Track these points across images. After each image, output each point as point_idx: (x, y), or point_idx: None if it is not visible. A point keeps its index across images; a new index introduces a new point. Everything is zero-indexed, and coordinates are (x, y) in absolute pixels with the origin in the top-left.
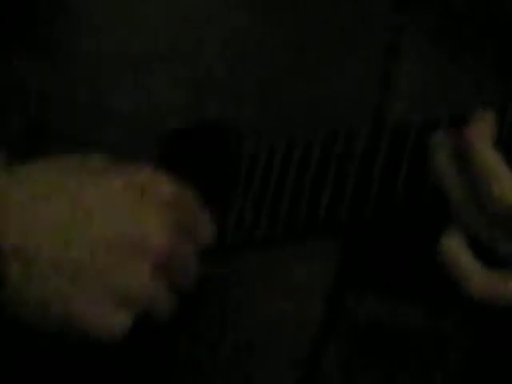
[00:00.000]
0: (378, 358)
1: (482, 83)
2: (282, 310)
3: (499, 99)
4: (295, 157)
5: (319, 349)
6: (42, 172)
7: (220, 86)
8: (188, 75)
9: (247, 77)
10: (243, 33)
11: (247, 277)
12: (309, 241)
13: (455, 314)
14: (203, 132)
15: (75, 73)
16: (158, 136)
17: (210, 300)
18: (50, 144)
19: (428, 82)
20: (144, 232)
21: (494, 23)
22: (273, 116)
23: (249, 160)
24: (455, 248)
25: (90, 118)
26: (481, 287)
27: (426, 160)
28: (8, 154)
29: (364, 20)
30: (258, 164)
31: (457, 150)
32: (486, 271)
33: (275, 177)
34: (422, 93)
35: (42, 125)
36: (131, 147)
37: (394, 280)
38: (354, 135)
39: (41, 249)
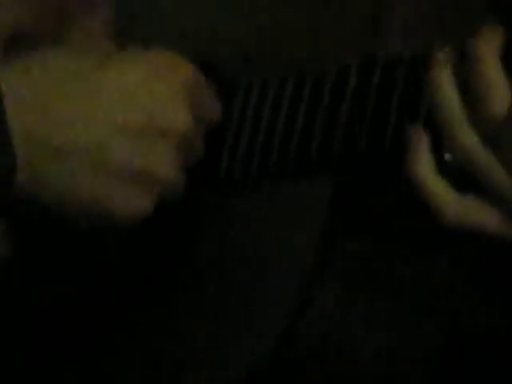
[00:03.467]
0: (370, 294)
1: (474, 19)
2: (276, 242)
3: None
4: (287, 93)
5: (313, 282)
6: (58, 59)
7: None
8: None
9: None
10: None
11: (242, 211)
12: (302, 178)
13: (450, 250)
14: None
15: None
16: None
17: (211, 230)
18: None
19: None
20: (166, 113)
21: None
22: (265, 53)
23: (243, 94)
24: (430, 176)
25: None
26: (456, 215)
27: (417, 94)
28: None
29: None
30: (251, 99)
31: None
32: (461, 199)
33: (268, 112)
34: (414, 28)
35: None
36: None
37: (386, 217)
38: (344, 72)
39: (62, 138)
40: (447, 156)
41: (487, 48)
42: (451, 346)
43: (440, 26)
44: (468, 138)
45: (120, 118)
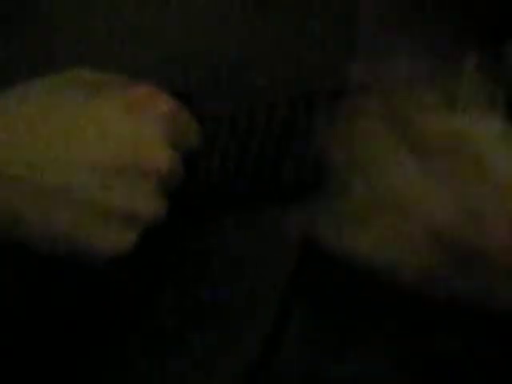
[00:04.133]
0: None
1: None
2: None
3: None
4: (258, 120)
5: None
6: (33, 93)
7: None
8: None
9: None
10: None
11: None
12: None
13: None
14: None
15: None
16: None
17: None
18: None
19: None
20: (148, 153)
21: None
22: (236, 81)
23: (211, 122)
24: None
25: None
26: None
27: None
28: None
29: None
30: (222, 126)
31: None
32: None
33: (239, 138)
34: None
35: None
36: None
37: None
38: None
39: (39, 177)
40: None
41: None
42: None
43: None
44: None
45: (97, 157)
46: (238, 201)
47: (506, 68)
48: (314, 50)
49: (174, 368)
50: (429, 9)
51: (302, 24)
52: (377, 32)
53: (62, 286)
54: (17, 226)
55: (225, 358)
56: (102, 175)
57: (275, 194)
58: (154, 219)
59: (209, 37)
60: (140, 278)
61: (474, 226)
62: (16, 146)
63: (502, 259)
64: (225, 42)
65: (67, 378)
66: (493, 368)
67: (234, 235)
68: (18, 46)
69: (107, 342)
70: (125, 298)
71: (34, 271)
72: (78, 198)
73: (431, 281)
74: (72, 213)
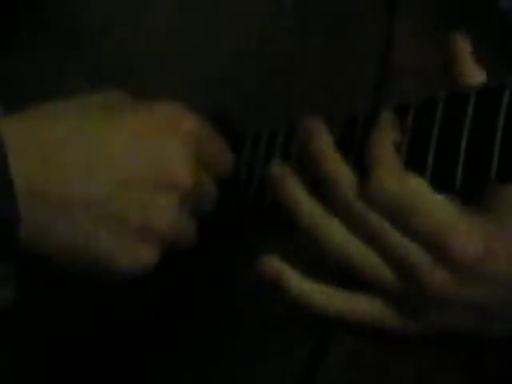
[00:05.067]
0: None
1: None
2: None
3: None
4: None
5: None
6: (61, 113)
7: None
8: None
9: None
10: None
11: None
12: None
13: None
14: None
15: None
16: None
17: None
18: None
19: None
20: (169, 167)
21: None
22: (273, 103)
23: (251, 143)
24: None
25: None
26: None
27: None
28: None
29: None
30: (260, 146)
31: None
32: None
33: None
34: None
35: None
36: None
37: None
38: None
39: (65, 191)
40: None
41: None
42: None
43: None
44: (336, 231)
45: (121, 172)
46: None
47: None
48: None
49: None
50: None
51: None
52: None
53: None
54: (45, 240)
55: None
56: (126, 190)
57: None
58: (175, 237)
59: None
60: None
61: None
62: (47, 163)
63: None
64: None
65: None
66: None
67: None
68: (29, 59)
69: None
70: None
71: (58, 285)
72: (100, 212)
73: None
74: (95, 228)
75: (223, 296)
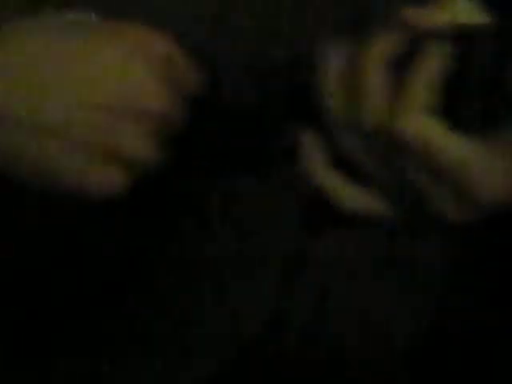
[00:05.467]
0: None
1: None
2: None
3: None
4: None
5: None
6: (28, 32)
7: None
8: None
9: None
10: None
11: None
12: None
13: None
14: None
15: None
16: None
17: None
18: None
19: None
20: (136, 92)
21: None
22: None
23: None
24: (325, 172)
25: None
26: (351, 202)
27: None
28: None
29: None
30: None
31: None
32: (353, 188)
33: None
34: None
35: None
36: None
37: None
38: None
39: (35, 115)
40: None
41: (370, 55)
42: (432, 334)
43: None
44: (348, 139)
45: (85, 95)
46: (246, 158)
47: None
48: None
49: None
50: None
51: None
52: None
53: (58, 223)
54: (17, 164)
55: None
56: (93, 113)
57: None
58: (145, 162)
59: None
60: (138, 224)
61: None
62: (16, 84)
63: None
64: None
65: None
66: None
67: (243, 192)
68: None
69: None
70: (121, 246)
71: (32, 208)
72: (69, 134)
73: None
74: (63, 149)
75: (196, 236)
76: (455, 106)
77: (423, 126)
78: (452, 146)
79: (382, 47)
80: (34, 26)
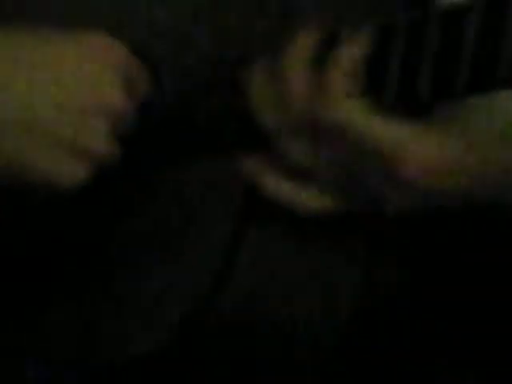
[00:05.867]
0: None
1: None
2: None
3: None
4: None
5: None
6: (6, 40)
7: None
8: None
9: None
10: None
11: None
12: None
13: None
14: None
15: None
16: None
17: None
18: None
19: None
20: (100, 93)
21: None
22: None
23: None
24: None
25: None
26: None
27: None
28: None
29: None
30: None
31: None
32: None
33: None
34: None
35: None
36: None
37: None
38: None
39: (9, 113)
40: None
41: (293, 56)
42: (364, 304)
43: None
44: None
45: (57, 96)
46: (190, 150)
47: None
48: None
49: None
50: None
51: None
52: None
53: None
54: None
55: (176, 290)
56: (60, 111)
57: (222, 144)
58: (104, 156)
59: None
60: (96, 211)
61: None
62: None
63: None
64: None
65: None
66: None
67: (185, 181)
68: None
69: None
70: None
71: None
72: (39, 131)
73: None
74: (31, 145)
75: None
76: (378, 89)
77: (345, 110)
78: (376, 127)
79: (300, 46)
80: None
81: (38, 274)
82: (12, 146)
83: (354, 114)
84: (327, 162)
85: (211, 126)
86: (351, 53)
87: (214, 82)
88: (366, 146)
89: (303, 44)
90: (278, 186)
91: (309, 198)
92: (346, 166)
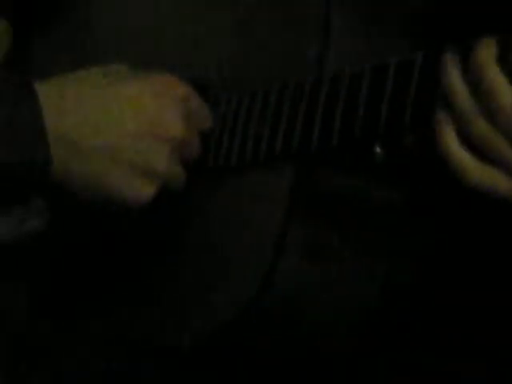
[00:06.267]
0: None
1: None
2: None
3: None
4: (256, 105)
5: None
6: (84, 79)
7: None
8: None
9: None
10: None
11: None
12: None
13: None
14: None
15: None
16: None
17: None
18: None
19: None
20: (166, 123)
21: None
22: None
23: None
24: (457, 148)
25: None
26: (476, 179)
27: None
28: None
29: None
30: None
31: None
32: (481, 164)
33: (242, 118)
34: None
35: None
36: None
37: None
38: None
39: (84, 137)
40: (377, 149)
41: (486, 56)
42: (386, 306)
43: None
44: (480, 126)
45: (129, 125)
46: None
47: None
48: None
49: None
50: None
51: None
52: None
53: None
54: (71, 177)
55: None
56: (133, 139)
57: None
58: (169, 178)
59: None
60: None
61: None
62: (72, 115)
63: None
64: None
65: None
66: None
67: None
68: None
69: None
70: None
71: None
72: (114, 157)
73: None
74: (110, 170)
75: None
76: None
77: None
78: None
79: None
80: (75, 77)
81: (109, 272)
82: (96, 169)
83: None
84: None
85: None
86: None
87: None
88: None
89: (490, 49)
90: (459, 150)
91: (484, 174)
92: None
